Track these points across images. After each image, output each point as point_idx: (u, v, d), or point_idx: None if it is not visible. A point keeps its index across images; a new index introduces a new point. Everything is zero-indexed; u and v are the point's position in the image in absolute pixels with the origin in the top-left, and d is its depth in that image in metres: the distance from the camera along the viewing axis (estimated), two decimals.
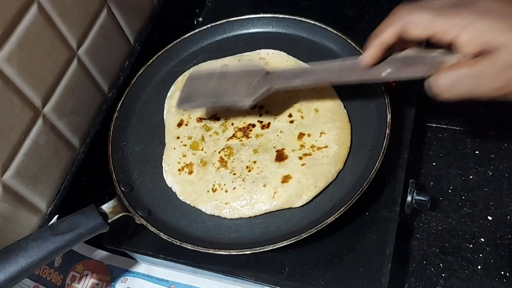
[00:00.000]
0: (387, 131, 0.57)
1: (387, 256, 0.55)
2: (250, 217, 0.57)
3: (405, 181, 0.60)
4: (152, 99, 0.70)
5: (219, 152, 0.61)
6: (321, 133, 0.60)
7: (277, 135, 0.61)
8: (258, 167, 0.59)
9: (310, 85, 0.59)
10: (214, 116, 0.65)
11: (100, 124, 0.69)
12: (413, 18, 0.45)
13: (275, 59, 0.69)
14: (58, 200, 0.64)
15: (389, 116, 0.58)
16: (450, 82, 0.44)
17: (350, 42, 0.66)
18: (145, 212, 0.59)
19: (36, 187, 0.61)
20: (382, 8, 0.78)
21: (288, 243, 0.52)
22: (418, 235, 0.65)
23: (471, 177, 0.68)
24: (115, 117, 0.66)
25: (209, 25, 0.74)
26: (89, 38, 0.67)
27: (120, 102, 0.67)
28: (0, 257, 0.49)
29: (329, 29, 0.68)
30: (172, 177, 0.61)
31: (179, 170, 0.61)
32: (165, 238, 0.55)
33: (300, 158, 0.59)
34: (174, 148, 0.63)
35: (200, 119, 0.65)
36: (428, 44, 0.48)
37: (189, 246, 0.54)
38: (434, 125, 0.74)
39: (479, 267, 0.62)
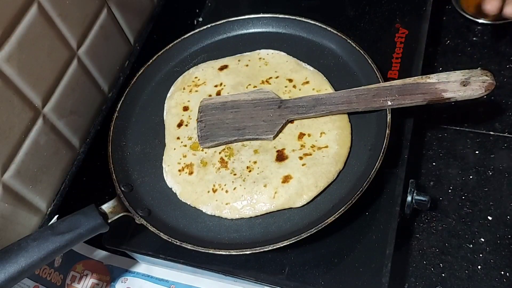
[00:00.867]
0: (387, 131, 0.57)
1: (387, 256, 0.55)
2: (250, 217, 0.57)
3: (405, 181, 0.60)
4: (152, 99, 0.70)
5: (220, 153, 0.61)
6: (321, 133, 0.60)
7: (278, 136, 0.61)
8: (258, 167, 0.59)
9: (322, 115, 0.61)
10: None
11: (100, 124, 0.69)
12: None
13: (275, 59, 0.69)
14: (58, 200, 0.64)
15: (389, 116, 0.58)
16: None
17: (350, 42, 0.66)
18: (145, 212, 0.59)
19: (36, 187, 0.61)
20: (382, 8, 0.78)
21: (288, 243, 0.52)
22: (418, 235, 0.65)
23: (471, 177, 0.68)
24: (115, 117, 0.66)
25: (209, 25, 0.73)
26: (89, 38, 0.67)
27: (120, 102, 0.67)
28: (0, 257, 0.49)
29: (329, 29, 0.68)
30: (172, 177, 0.61)
31: (179, 170, 0.61)
32: (165, 238, 0.55)
33: (301, 158, 0.59)
34: (174, 149, 0.63)
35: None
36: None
37: (189, 246, 0.54)
38: (434, 125, 0.74)
39: (479, 267, 0.62)
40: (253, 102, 0.63)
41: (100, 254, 0.66)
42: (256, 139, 0.61)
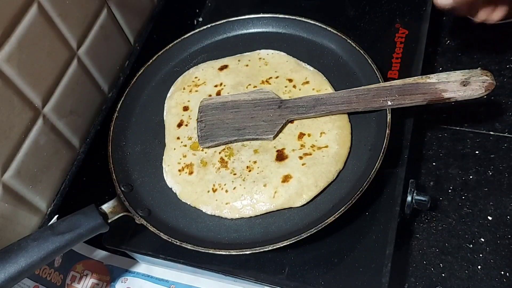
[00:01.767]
0: (387, 131, 0.57)
1: (387, 256, 0.55)
2: (250, 217, 0.57)
3: (405, 181, 0.60)
4: (152, 99, 0.70)
5: (220, 153, 0.61)
6: (321, 133, 0.60)
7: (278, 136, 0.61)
8: (258, 167, 0.59)
9: (322, 115, 0.61)
10: None
11: (100, 124, 0.69)
12: None
13: (275, 59, 0.69)
14: (58, 200, 0.64)
15: (389, 116, 0.58)
16: None
17: (350, 42, 0.66)
18: (145, 212, 0.59)
19: (36, 187, 0.61)
20: (382, 8, 0.78)
21: (288, 243, 0.52)
22: (418, 235, 0.65)
23: (471, 177, 0.68)
24: (115, 117, 0.66)
25: (209, 25, 0.74)
26: (89, 38, 0.67)
27: (120, 102, 0.67)
28: (0, 257, 0.49)
29: (329, 29, 0.68)
30: (172, 177, 0.61)
31: (179, 170, 0.61)
32: (165, 238, 0.55)
33: (301, 157, 0.59)
34: (174, 149, 0.63)
35: None
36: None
37: (189, 246, 0.54)
38: (434, 125, 0.74)
39: (479, 267, 0.62)
40: (253, 102, 0.63)
41: (100, 254, 0.66)
42: (256, 139, 0.61)
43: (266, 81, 0.67)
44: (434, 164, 0.70)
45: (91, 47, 0.67)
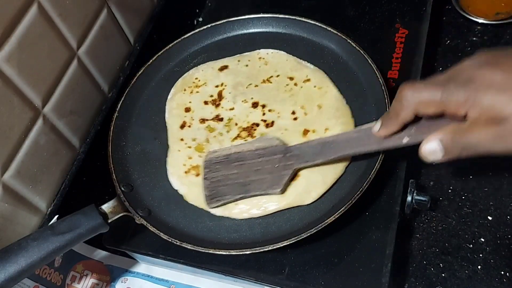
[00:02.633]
0: None
1: (387, 256, 0.55)
2: (259, 216, 0.57)
3: (405, 181, 0.60)
4: (152, 99, 0.70)
5: None
6: (325, 129, 0.60)
7: (282, 133, 0.61)
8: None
9: (332, 160, 0.57)
10: (217, 116, 0.65)
11: (100, 124, 0.69)
12: (423, 99, 0.45)
13: (275, 59, 0.69)
14: (58, 200, 0.64)
15: None
16: (469, 142, 0.44)
17: (350, 42, 0.66)
18: (145, 212, 0.59)
19: (36, 187, 0.61)
20: (382, 8, 0.78)
21: (288, 243, 0.52)
22: (418, 235, 0.65)
23: (471, 177, 0.68)
24: (115, 117, 0.66)
25: (209, 25, 0.73)
26: (89, 38, 0.67)
27: (120, 102, 0.67)
28: (0, 257, 0.49)
29: (329, 29, 0.68)
30: (178, 179, 0.61)
31: (185, 172, 0.61)
32: (165, 238, 0.55)
33: None
34: (179, 150, 0.63)
35: (203, 120, 0.65)
36: None
37: (189, 246, 0.54)
38: None
39: (479, 267, 0.62)
40: (257, 153, 0.59)
41: (100, 254, 0.66)
42: (263, 194, 0.58)
43: (267, 80, 0.67)
44: (434, 164, 0.70)
45: (91, 47, 0.67)
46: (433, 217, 0.66)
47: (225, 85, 0.67)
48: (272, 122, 0.63)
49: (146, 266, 0.66)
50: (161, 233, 0.55)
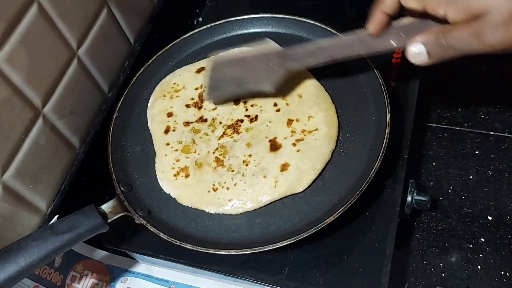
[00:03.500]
0: (387, 131, 0.57)
1: (387, 256, 0.55)
2: (254, 209, 0.57)
3: (405, 181, 0.60)
4: None
5: (213, 153, 0.61)
6: (309, 117, 0.61)
7: (267, 126, 0.62)
8: (254, 160, 0.59)
9: (323, 63, 0.58)
10: (200, 118, 0.65)
11: (100, 124, 0.69)
12: None
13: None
14: (58, 200, 0.64)
15: (388, 116, 0.58)
16: (450, 43, 0.46)
17: None
18: (145, 212, 0.59)
19: (36, 187, 0.61)
20: None
21: (288, 243, 0.52)
22: (418, 235, 0.65)
23: (471, 177, 0.68)
24: (115, 117, 0.66)
25: (209, 25, 0.74)
26: (89, 38, 0.67)
27: (120, 102, 0.67)
28: None
29: (329, 29, 0.68)
30: (168, 183, 0.61)
31: (174, 175, 0.61)
32: (164, 238, 0.55)
33: (294, 144, 0.59)
34: (166, 155, 0.63)
35: (187, 123, 0.65)
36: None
37: (188, 246, 0.54)
38: (434, 125, 0.74)
39: (479, 267, 0.62)
40: (257, 56, 0.63)
41: (100, 254, 0.66)
42: (256, 90, 0.61)
43: None
44: (434, 164, 0.70)
45: (91, 47, 0.67)
46: (433, 217, 0.66)
47: (205, 87, 0.67)
48: (256, 116, 0.63)
49: (146, 266, 0.66)
50: (161, 233, 0.55)
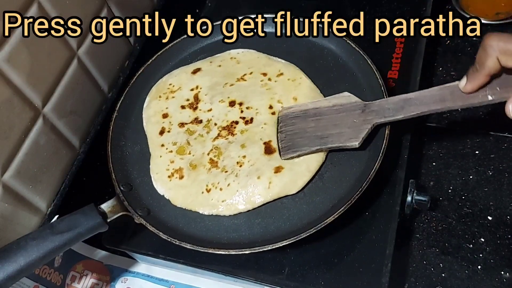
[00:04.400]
0: (386, 131, 0.57)
1: (387, 256, 0.55)
2: (248, 210, 0.57)
3: (405, 181, 0.60)
4: None
5: (208, 154, 0.61)
6: None
7: (262, 128, 0.61)
8: (249, 161, 0.59)
9: (412, 117, 0.56)
10: (195, 119, 0.65)
11: (100, 124, 0.69)
12: (509, 47, 0.46)
13: (246, 57, 0.69)
14: (58, 200, 0.64)
15: None
16: None
17: (350, 42, 0.66)
18: (144, 211, 0.59)
19: (36, 187, 0.61)
20: (382, 8, 0.78)
21: (288, 243, 0.52)
22: (418, 235, 0.65)
23: (471, 177, 0.68)
24: (114, 117, 0.66)
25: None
26: (90, 38, 0.67)
27: (120, 102, 0.67)
28: None
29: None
30: (162, 184, 0.61)
31: (169, 176, 0.61)
32: (164, 237, 0.55)
33: None
34: (161, 156, 0.62)
35: (182, 124, 0.64)
36: None
37: (188, 246, 0.54)
38: (434, 125, 0.74)
39: (479, 267, 0.62)
40: (335, 108, 0.59)
41: (100, 254, 0.66)
42: (340, 147, 0.57)
43: (242, 78, 0.67)
44: (434, 164, 0.70)
45: (91, 47, 0.67)
46: (433, 217, 0.66)
47: (201, 88, 0.67)
48: (251, 119, 0.63)
49: (146, 266, 0.66)
50: (161, 233, 0.55)
